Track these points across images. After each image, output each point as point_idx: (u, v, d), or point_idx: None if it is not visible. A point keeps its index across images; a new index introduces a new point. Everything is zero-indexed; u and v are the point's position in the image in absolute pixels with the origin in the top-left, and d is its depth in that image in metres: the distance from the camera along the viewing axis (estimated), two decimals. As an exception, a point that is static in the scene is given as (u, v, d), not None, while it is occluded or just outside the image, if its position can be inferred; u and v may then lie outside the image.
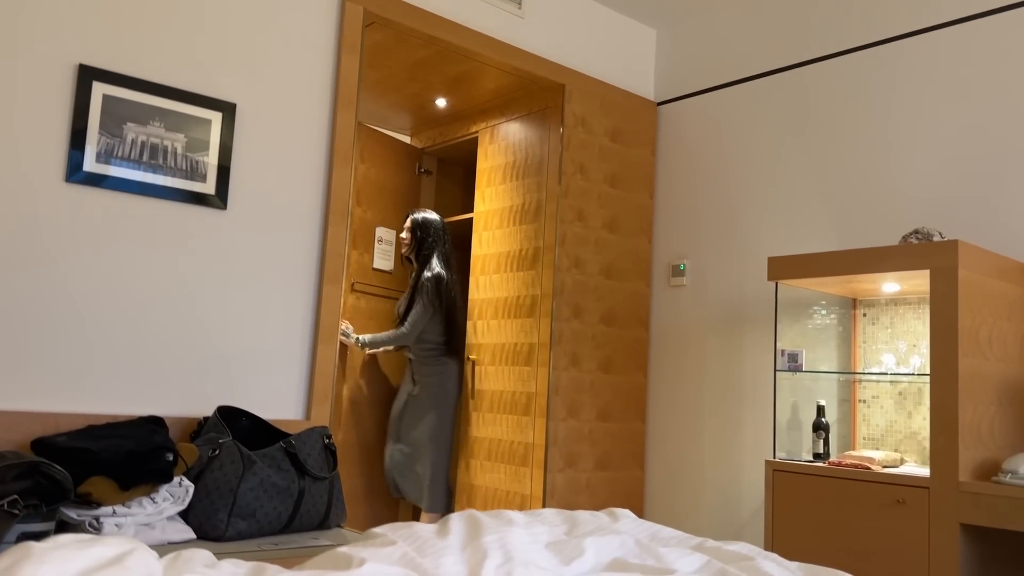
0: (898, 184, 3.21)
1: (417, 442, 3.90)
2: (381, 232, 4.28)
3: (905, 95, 3.23)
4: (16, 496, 1.81)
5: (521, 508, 3.64)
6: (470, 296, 4.13)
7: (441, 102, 4.22)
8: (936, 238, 2.76)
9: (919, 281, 2.82)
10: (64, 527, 1.99)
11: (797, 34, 3.62)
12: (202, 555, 1.25)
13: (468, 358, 4.05)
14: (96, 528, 2.01)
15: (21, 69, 2.37)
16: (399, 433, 3.98)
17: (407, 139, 4.84)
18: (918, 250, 2.64)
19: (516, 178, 3.93)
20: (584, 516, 1.83)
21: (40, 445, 2.13)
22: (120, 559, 1.07)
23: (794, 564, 1.61)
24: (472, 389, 3.99)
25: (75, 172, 2.43)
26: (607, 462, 3.77)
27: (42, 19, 2.41)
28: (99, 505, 2.01)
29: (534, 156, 3.84)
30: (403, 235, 4.08)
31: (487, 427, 3.87)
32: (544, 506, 3.54)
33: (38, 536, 1.83)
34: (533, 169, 3.84)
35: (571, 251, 3.69)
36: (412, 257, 4.08)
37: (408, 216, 4.11)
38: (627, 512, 1.92)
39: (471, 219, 4.26)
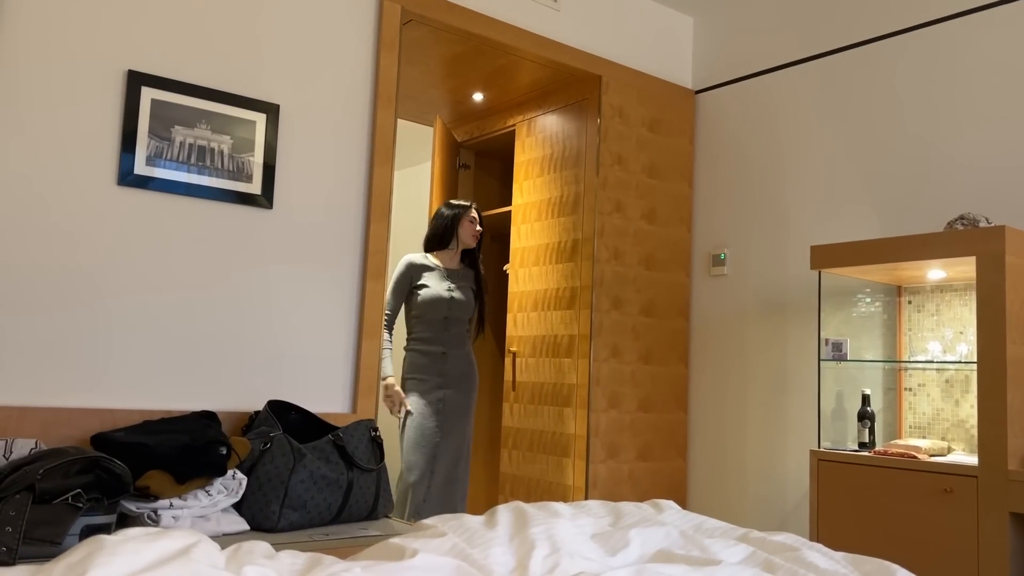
0: (943, 169, 3.16)
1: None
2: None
3: (949, 79, 3.18)
4: (79, 490, 1.88)
5: (563, 499, 3.67)
6: (509, 289, 4.16)
7: (478, 96, 4.25)
8: (982, 224, 2.72)
9: (965, 267, 2.78)
10: (124, 519, 2.06)
11: (837, 18, 3.57)
12: (262, 547, 1.30)
13: (508, 350, 4.08)
14: (154, 520, 2.08)
15: (73, 77, 2.45)
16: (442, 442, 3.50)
17: (445, 133, 4.87)
18: (964, 236, 2.60)
19: (554, 170, 3.94)
20: (629, 507, 1.85)
21: (99, 440, 2.21)
22: (186, 551, 1.12)
23: (839, 554, 1.62)
24: (513, 381, 4.02)
25: (126, 175, 2.50)
26: (649, 452, 3.78)
27: (92, 28, 2.48)
28: (157, 498, 2.08)
29: (571, 148, 3.85)
30: (476, 225, 3.62)
31: (528, 418, 3.90)
32: (586, 496, 3.57)
33: (101, 528, 1.91)
34: (571, 161, 3.85)
35: (610, 242, 3.70)
36: (469, 250, 3.67)
37: (472, 205, 3.66)
38: (671, 503, 1.94)
39: (509, 212, 4.28)
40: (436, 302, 3.48)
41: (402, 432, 3.44)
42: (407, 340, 3.54)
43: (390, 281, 3.56)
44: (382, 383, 3.42)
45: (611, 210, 3.71)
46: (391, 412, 3.48)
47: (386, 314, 3.51)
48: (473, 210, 3.63)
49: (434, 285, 3.50)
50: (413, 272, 3.52)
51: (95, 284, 2.45)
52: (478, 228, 3.61)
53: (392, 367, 3.46)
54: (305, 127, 2.87)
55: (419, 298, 3.49)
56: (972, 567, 2.50)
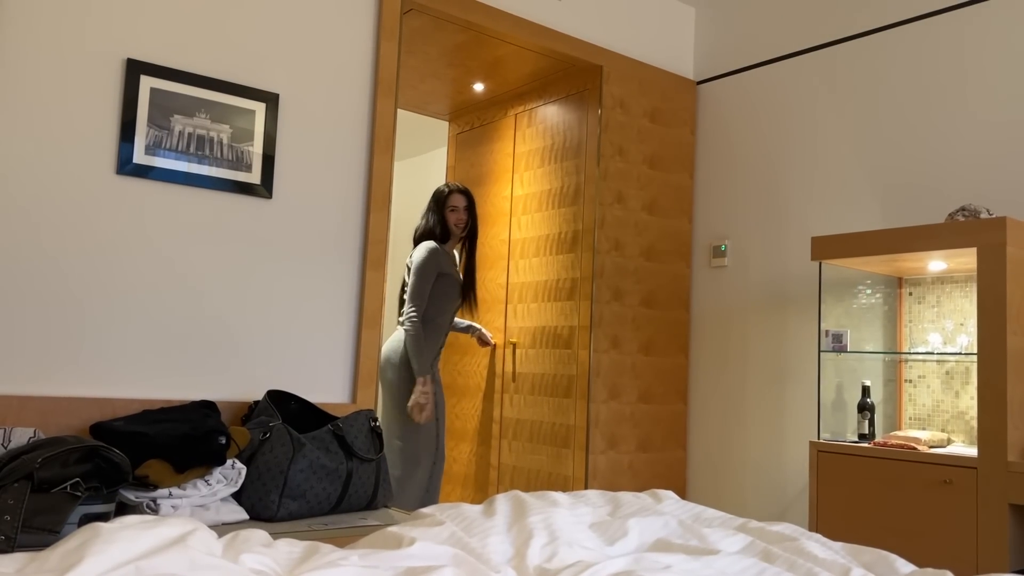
0: (944, 160, 3.15)
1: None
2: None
3: (950, 70, 3.16)
4: (78, 479, 1.88)
5: (563, 489, 3.67)
6: (509, 280, 4.15)
7: (479, 86, 4.23)
8: (983, 215, 2.71)
9: (966, 259, 2.77)
10: (123, 508, 2.06)
11: (839, 9, 3.56)
12: (259, 535, 1.29)
13: (508, 341, 4.07)
14: (153, 509, 2.08)
15: (72, 65, 2.44)
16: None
17: (445, 124, 4.86)
18: (965, 227, 2.60)
19: (554, 161, 3.93)
20: (627, 497, 1.85)
21: (98, 429, 2.21)
22: (183, 538, 1.12)
23: (838, 544, 1.61)
24: (513, 372, 4.02)
25: (125, 164, 2.49)
26: (649, 444, 3.78)
27: (90, 16, 2.47)
28: (156, 487, 2.08)
29: (572, 139, 3.84)
30: (461, 214, 3.51)
31: (528, 409, 3.90)
32: (586, 487, 3.57)
33: (99, 517, 1.91)
34: (571, 152, 3.84)
35: (610, 233, 3.69)
36: (458, 238, 3.56)
37: (459, 190, 3.53)
38: (670, 493, 1.93)
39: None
40: (456, 288, 3.46)
41: (408, 423, 3.39)
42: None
43: (415, 269, 3.35)
44: (424, 387, 3.25)
45: (612, 201, 3.70)
46: (419, 417, 3.25)
47: (415, 305, 3.31)
48: (456, 196, 3.51)
49: (453, 272, 3.47)
50: (440, 258, 3.39)
51: (95, 273, 2.45)
52: (460, 216, 3.50)
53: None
54: (305, 116, 2.86)
55: (444, 284, 3.39)
56: (971, 558, 2.50)
